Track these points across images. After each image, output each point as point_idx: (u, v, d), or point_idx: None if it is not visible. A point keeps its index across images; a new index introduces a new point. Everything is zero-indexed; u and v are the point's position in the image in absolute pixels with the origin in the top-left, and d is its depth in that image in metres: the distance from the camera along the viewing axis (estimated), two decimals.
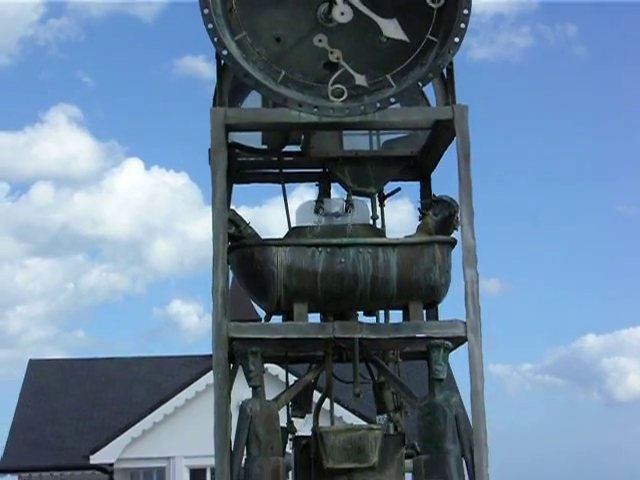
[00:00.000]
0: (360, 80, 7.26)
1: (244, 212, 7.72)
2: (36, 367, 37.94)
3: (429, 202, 7.80)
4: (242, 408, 7.10)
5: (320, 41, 7.34)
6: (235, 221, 7.48)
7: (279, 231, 7.93)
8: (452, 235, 7.60)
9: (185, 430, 25.82)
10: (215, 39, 7.30)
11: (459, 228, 7.47)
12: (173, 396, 27.44)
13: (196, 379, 27.23)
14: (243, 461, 7.11)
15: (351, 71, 7.26)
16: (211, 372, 7.23)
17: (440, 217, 7.64)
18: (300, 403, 8.08)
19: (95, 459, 27.26)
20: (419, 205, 7.90)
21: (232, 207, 7.84)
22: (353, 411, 23.70)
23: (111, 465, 27.79)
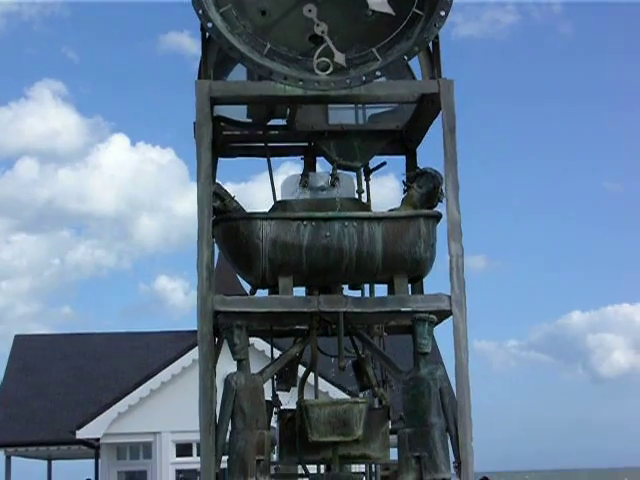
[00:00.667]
0: (339, 58, 7.22)
1: (230, 188, 7.70)
2: (22, 342, 37.92)
3: (413, 175, 7.79)
4: (227, 381, 7.10)
5: (310, 11, 7.30)
6: (220, 194, 7.46)
7: (264, 207, 7.91)
8: (436, 207, 7.60)
9: (171, 405, 25.82)
10: (200, 11, 7.25)
11: (444, 202, 7.47)
12: (159, 371, 27.44)
13: (182, 354, 27.24)
14: (228, 434, 7.12)
15: (332, 48, 7.23)
16: (197, 347, 7.22)
17: (425, 189, 7.64)
18: (285, 377, 8.08)
19: (81, 434, 27.27)
20: (404, 178, 7.89)
21: (217, 181, 7.81)
22: (339, 386, 23.74)
23: (97, 440, 27.83)
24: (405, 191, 7.76)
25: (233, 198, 7.54)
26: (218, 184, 7.59)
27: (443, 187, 7.49)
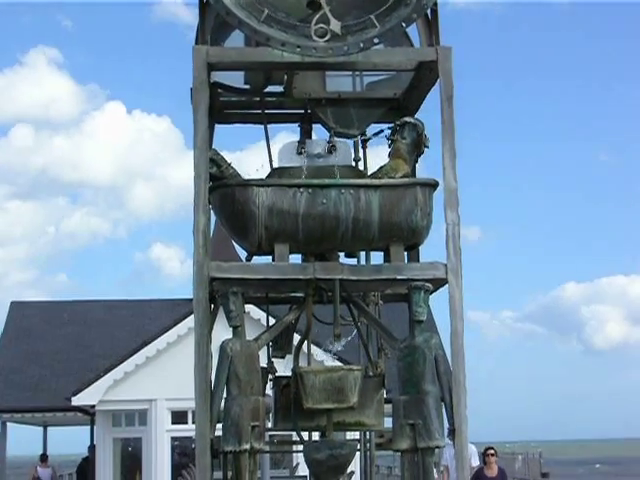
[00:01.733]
0: (335, 26, 7.19)
1: (225, 156, 7.67)
2: (18, 309, 37.95)
3: (395, 127, 7.80)
4: (222, 347, 7.11)
5: None
6: (216, 160, 7.44)
7: (260, 176, 7.88)
8: (424, 149, 7.65)
9: (167, 373, 25.87)
10: None
11: (429, 144, 7.51)
12: (155, 339, 27.46)
13: (178, 322, 27.25)
14: (223, 400, 7.13)
15: (329, 15, 7.19)
16: (193, 315, 7.23)
17: (409, 139, 7.68)
18: (280, 344, 8.09)
19: (77, 401, 27.31)
20: (386, 134, 7.89)
21: (214, 148, 7.79)
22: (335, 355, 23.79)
23: (93, 407, 27.88)
24: (390, 145, 7.76)
25: (230, 165, 7.52)
26: (215, 150, 7.57)
27: (426, 133, 7.52)
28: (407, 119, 7.72)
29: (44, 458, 32.38)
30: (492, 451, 18.12)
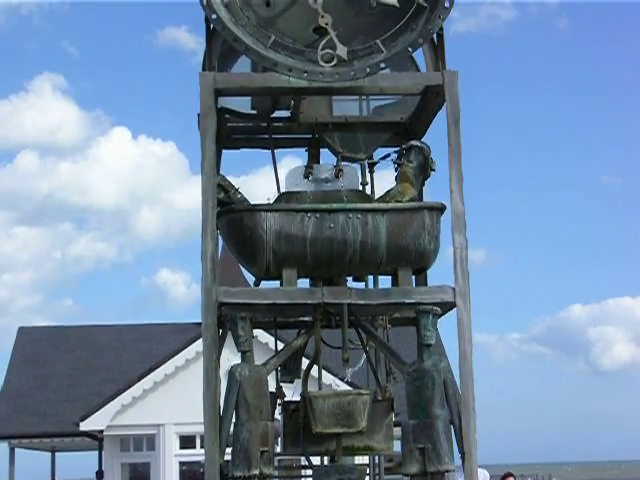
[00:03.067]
0: (341, 51, 7.23)
1: (231, 181, 7.70)
2: (26, 334, 37.97)
3: (401, 151, 7.82)
4: (231, 372, 7.11)
5: (315, 2, 7.29)
6: (224, 186, 7.47)
7: (266, 200, 7.90)
8: (431, 173, 7.68)
9: (175, 397, 25.88)
10: (204, 2, 7.26)
11: (435, 167, 7.52)
12: (163, 363, 27.47)
13: (186, 346, 27.26)
14: (232, 425, 7.13)
15: (335, 40, 7.23)
16: (201, 340, 7.23)
17: (416, 163, 7.70)
18: (289, 368, 8.09)
19: (85, 426, 27.32)
20: (392, 158, 7.91)
21: (221, 173, 7.81)
22: (342, 379, 23.74)
23: (101, 432, 27.88)
24: (397, 169, 7.78)
25: (237, 190, 7.54)
26: (222, 176, 7.60)
27: (432, 157, 7.53)
28: (413, 143, 7.75)
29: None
30: (511, 479, 17.17)
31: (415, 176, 7.65)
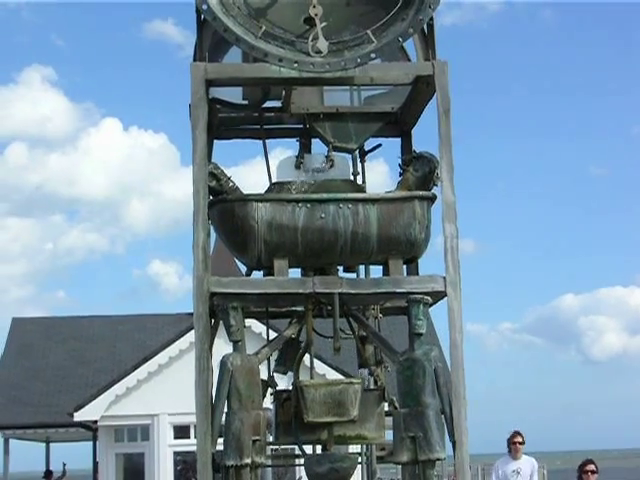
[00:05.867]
0: (322, 45, 7.24)
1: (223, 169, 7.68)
2: (19, 325, 37.95)
3: (409, 158, 7.82)
4: (223, 362, 7.14)
5: None
6: (216, 174, 7.48)
7: (255, 191, 7.90)
8: (432, 191, 7.63)
9: (169, 387, 25.87)
10: None
11: (439, 184, 7.50)
12: (157, 354, 27.47)
13: (180, 337, 27.27)
14: (224, 415, 7.15)
15: (319, 33, 7.24)
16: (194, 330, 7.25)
17: (420, 173, 7.66)
18: (283, 360, 8.10)
19: (79, 416, 27.31)
20: (399, 161, 7.91)
21: (214, 162, 7.81)
22: (336, 368, 23.78)
23: (95, 422, 27.88)
24: (401, 174, 7.78)
25: (229, 178, 7.55)
26: (215, 164, 7.61)
27: (438, 170, 7.51)
28: (424, 153, 7.71)
29: (48, 474, 32.52)
30: (592, 467, 14.07)
31: (416, 185, 7.62)
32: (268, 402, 7.69)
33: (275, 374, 8.00)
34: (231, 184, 7.55)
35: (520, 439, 15.25)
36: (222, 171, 7.56)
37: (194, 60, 7.58)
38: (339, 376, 21.93)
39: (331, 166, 7.99)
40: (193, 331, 7.33)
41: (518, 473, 15.06)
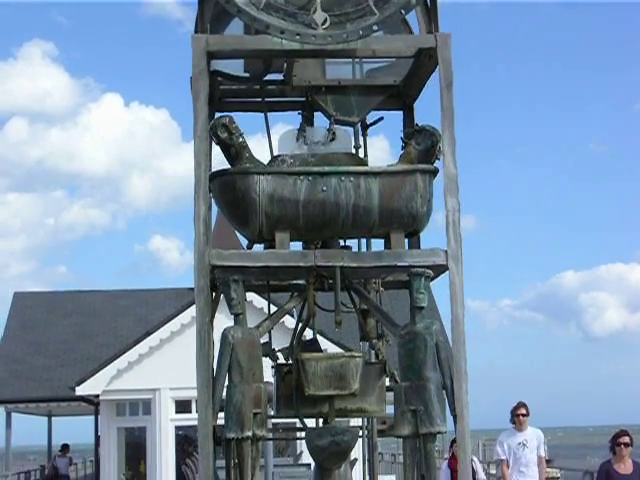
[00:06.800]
0: (318, 17, 7.21)
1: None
2: (21, 300, 38.04)
3: (412, 131, 7.78)
4: (224, 335, 7.13)
5: None
6: (229, 127, 7.37)
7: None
8: (434, 161, 7.60)
9: (171, 362, 25.91)
10: None
11: (441, 157, 7.47)
12: (158, 328, 27.52)
13: (181, 312, 27.31)
14: (225, 388, 7.15)
15: (317, 5, 7.21)
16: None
17: (423, 147, 7.62)
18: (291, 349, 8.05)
19: (81, 390, 27.40)
20: (402, 135, 7.88)
21: (230, 115, 7.66)
22: (337, 343, 23.82)
23: (97, 397, 27.97)
24: (403, 148, 7.75)
25: (242, 135, 7.45)
26: (231, 117, 7.50)
27: (441, 144, 7.48)
28: (426, 126, 7.66)
29: (64, 448, 32.78)
30: (627, 439, 13.39)
31: (418, 158, 7.59)
32: (269, 376, 7.70)
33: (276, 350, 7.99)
34: (241, 140, 7.44)
35: (524, 410, 14.91)
36: (236, 126, 7.45)
37: (195, 32, 7.54)
38: (340, 351, 21.98)
39: (333, 139, 7.97)
40: (194, 306, 7.33)
41: (524, 445, 14.82)
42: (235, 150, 7.41)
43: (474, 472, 16.34)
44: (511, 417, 15.05)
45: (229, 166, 7.48)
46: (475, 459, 17.00)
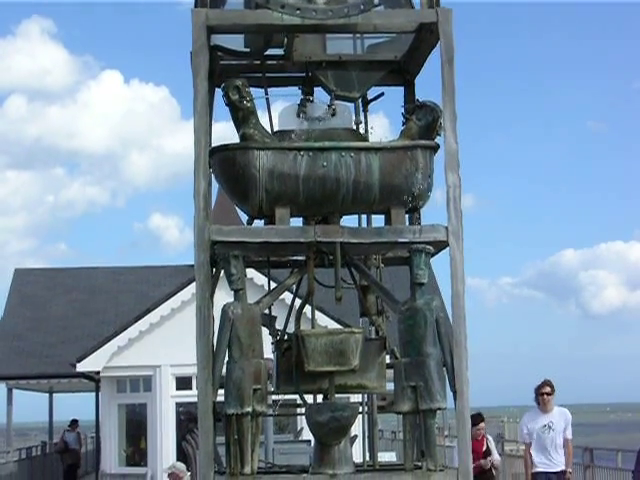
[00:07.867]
0: None
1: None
2: (22, 276, 38.08)
3: (413, 107, 7.76)
4: (224, 311, 7.13)
5: None
6: (241, 90, 7.33)
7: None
8: (436, 137, 7.58)
9: (171, 339, 25.98)
10: None
11: (442, 133, 7.45)
12: (159, 305, 27.59)
13: (182, 288, 27.37)
14: (225, 364, 7.15)
15: None
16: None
17: (423, 122, 7.59)
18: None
19: (82, 367, 27.50)
20: (402, 110, 7.85)
21: (243, 79, 7.62)
22: (338, 320, 23.85)
23: (97, 373, 28.07)
24: (404, 124, 7.73)
25: (252, 100, 7.41)
26: (244, 81, 7.45)
27: (442, 119, 7.45)
28: (426, 102, 7.63)
29: (73, 423, 32.90)
30: (548, 389, 13.62)
31: (419, 134, 7.55)
32: (269, 352, 7.69)
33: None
34: (250, 105, 7.40)
35: (548, 389, 13.86)
36: (249, 90, 7.42)
37: (195, 6, 7.50)
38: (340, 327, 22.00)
39: (333, 115, 7.94)
40: (195, 283, 7.32)
41: (550, 428, 13.88)
42: (243, 114, 7.37)
43: (489, 451, 16.02)
44: (535, 396, 14.04)
45: (230, 140, 7.46)
46: (490, 438, 16.43)
